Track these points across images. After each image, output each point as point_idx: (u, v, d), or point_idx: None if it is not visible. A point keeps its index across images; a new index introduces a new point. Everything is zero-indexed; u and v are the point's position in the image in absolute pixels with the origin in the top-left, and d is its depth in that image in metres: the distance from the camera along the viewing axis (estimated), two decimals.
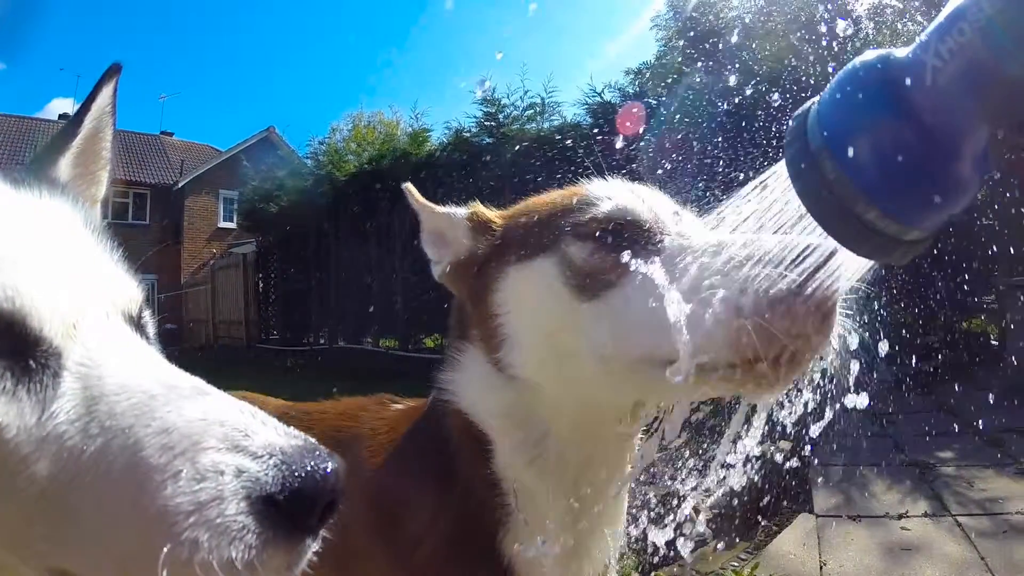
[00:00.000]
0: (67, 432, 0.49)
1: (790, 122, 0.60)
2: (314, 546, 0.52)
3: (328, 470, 0.50)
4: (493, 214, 1.02)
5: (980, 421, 4.30)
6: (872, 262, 0.64)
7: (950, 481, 3.43)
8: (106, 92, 0.77)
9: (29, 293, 0.52)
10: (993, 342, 6.57)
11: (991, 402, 4.71)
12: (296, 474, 0.48)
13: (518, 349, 0.91)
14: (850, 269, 0.67)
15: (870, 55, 0.56)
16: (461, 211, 1.01)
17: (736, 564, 2.79)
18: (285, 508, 0.48)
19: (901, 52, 0.54)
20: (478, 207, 1.02)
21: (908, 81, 0.52)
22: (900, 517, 3.05)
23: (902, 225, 0.54)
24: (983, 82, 0.49)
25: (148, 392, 0.51)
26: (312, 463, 0.50)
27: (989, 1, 0.48)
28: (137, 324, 0.63)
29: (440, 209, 1.03)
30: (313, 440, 0.53)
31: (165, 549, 0.45)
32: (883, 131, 0.53)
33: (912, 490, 3.37)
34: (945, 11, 0.51)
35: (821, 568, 2.66)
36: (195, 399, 0.52)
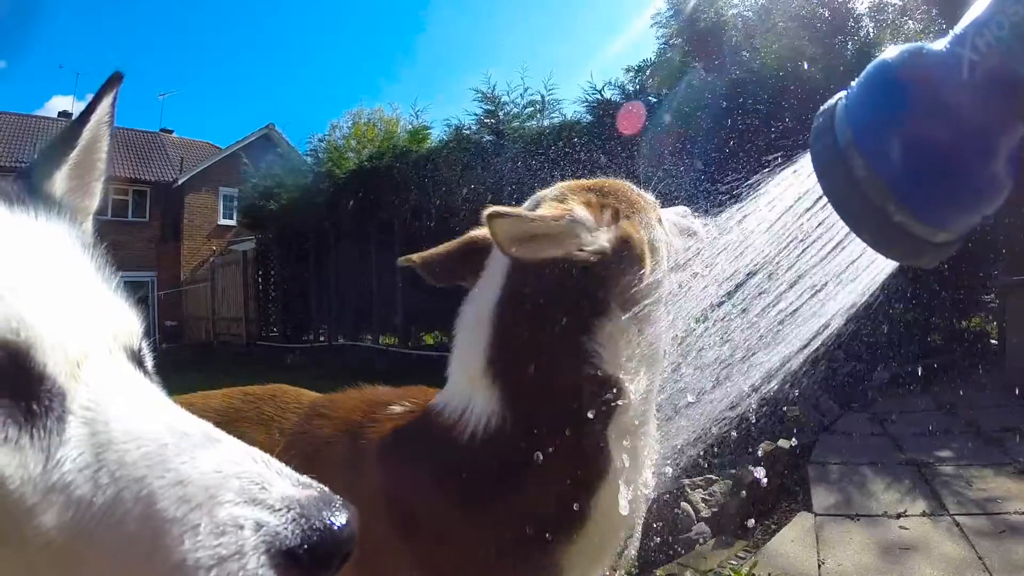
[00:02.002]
0: (75, 481, 0.48)
1: (816, 118, 0.58)
2: None
3: (344, 521, 0.50)
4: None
5: (979, 420, 4.31)
6: (899, 263, 0.62)
7: (949, 480, 3.43)
8: (106, 102, 0.75)
9: (34, 325, 0.50)
10: (993, 341, 6.57)
11: (990, 401, 4.72)
12: (315, 527, 0.48)
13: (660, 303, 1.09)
14: None
15: (901, 48, 0.54)
16: (577, 209, 1.07)
17: (735, 562, 2.80)
18: (305, 561, 0.48)
19: (936, 45, 0.52)
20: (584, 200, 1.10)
21: (943, 75, 0.49)
22: (899, 516, 3.05)
23: (933, 226, 0.52)
24: (1019, 79, 0.47)
25: (159, 440, 0.50)
26: (329, 515, 0.50)
27: None
28: (137, 359, 0.61)
29: (570, 213, 1.07)
30: (327, 489, 0.53)
31: None
32: (916, 128, 0.50)
33: (911, 489, 3.37)
34: (982, 3, 0.49)
35: (819, 567, 2.66)
36: (208, 448, 0.51)
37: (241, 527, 0.47)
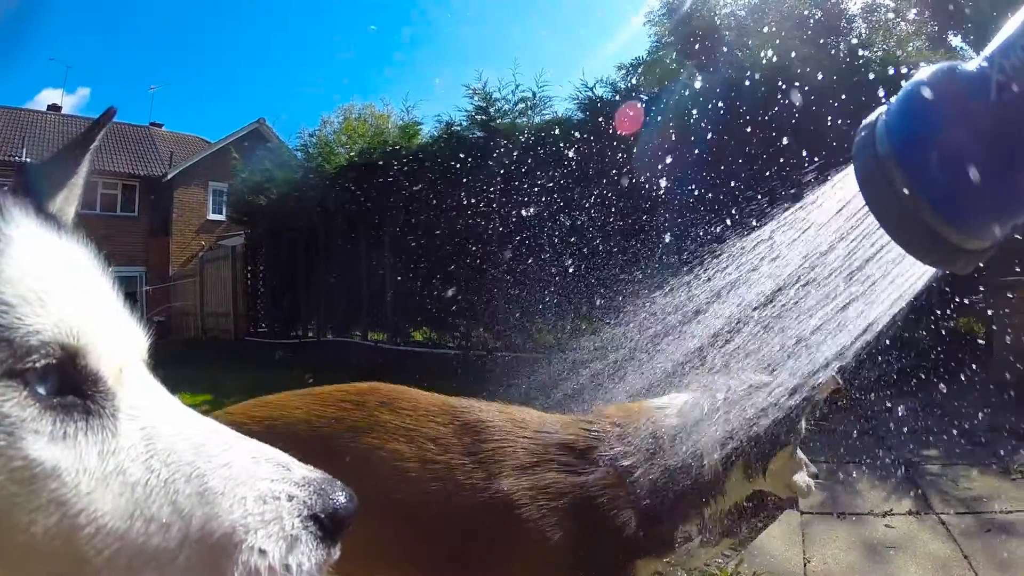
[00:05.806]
0: (129, 468, 0.56)
1: (858, 131, 0.63)
2: (338, 552, 0.64)
3: (350, 495, 0.64)
4: None
5: (966, 420, 4.32)
6: (936, 270, 0.68)
7: (935, 479, 3.44)
8: (101, 132, 0.79)
9: (88, 332, 0.57)
10: (980, 341, 6.61)
11: (978, 401, 4.74)
12: (332, 498, 0.62)
13: None
14: None
15: (935, 68, 0.58)
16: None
17: (721, 561, 2.79)
18: (326, 524, 0.61)
19: (968, 65, 0.55)
20: None
21: (973, 95, 0.53)
22: (884, 515, 3.06)
23: (967, 235, 0.57)
24: None
25: (201, 434, 0.61)
26: (339, 491, 0.63)
27: None
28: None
29: None
30: (328, 475, 0.65)
31: (239, 557, 0.56)
32: (949, 143, 0.54)
33: (897, 488, 3.38)
34: (1012, 25, 0.52)
35: (805, 565, 2.66)
36: (238, 442, 0.63)
37: (278, 498, 0.59)
